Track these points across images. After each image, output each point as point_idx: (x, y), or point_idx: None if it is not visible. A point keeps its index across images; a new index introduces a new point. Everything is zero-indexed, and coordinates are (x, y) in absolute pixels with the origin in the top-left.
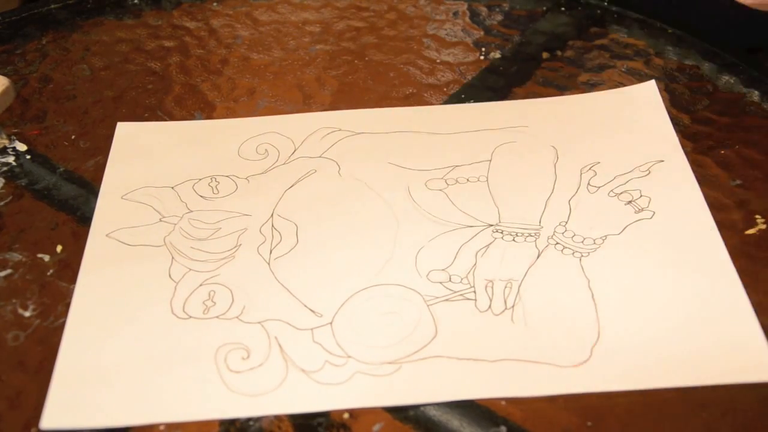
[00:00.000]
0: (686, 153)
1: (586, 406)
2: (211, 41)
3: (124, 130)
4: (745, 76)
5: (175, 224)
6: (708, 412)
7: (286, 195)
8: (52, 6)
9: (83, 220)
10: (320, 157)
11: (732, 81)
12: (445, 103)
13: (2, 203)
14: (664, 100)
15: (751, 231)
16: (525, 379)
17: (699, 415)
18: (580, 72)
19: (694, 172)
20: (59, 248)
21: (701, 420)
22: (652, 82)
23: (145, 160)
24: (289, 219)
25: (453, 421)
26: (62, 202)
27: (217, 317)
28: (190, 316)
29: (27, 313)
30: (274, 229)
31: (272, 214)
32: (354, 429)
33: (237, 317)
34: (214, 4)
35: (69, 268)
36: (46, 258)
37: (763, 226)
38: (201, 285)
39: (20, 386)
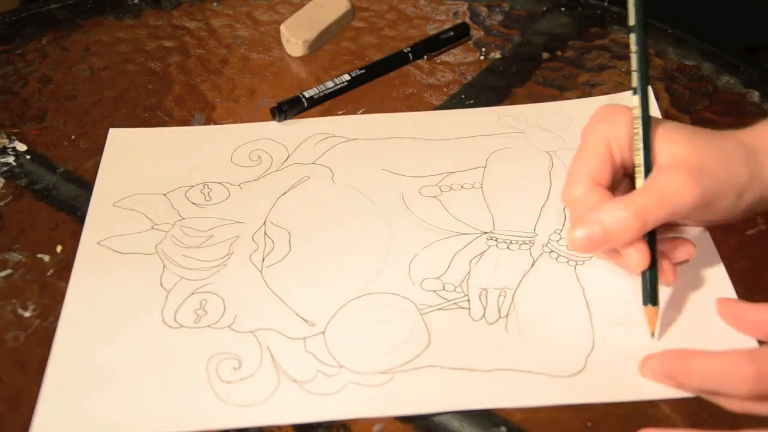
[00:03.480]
0: None
1: (585, 406)
2: (211, 41)
3: (116, 136)
4: (745, 76)
5: (167, 232)
6: (707, 412)
7: (279, 202)
8: (52, 6)
9: (83, 220)
10: (313, 163)
11: (732, 81)
12: (445, 103)
13: (2, 203)
14: (664, 101)
15: (751, 231)
16: (519, 390)
17: (699, 414)
18: (580, 72)
19: None
20: (59, 248)
21: (701, 419)
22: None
23: (137, 166)
24: (281, 226)
25: (453, 421)
26: (62, 202)
27: (208, 326)
28: (182, 325)
29: (27, 314)
30: (266, 237)
31: (265, 222)
32: (354, 429)
33: (229, 326)
34: (214, 4)
35: (69, 268)
36: (46, 258)
37: (764, 227)
38: (193, 293)
39: (20, 386)
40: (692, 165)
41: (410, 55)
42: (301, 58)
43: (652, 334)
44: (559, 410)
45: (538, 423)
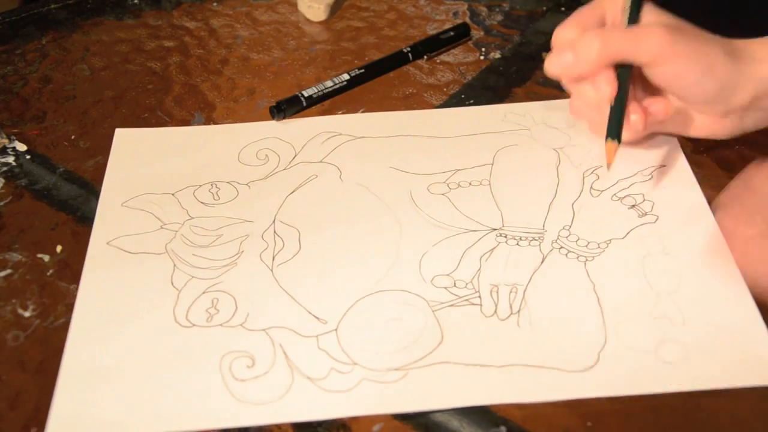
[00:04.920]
0: (686, 153)
1: (585, 406)
2: (211, 41)
3: (122, 136)
4: None
5: (177, 231)
6: (707, 412)
7: (287, 201)
8: (52, 6)
9: (83, 220)
10: (321, 162)
11: None
12: (445, 103)
13: (2, 203)
14: None
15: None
16: (532, 385)
17: (698, 415)
18: None
19: (694, 172)
20: (59, 248)
21: (701, 420)
22: None
23: (145, 166)
24: (291, 225)
25: (453, 421)
26: (62, 202)
27: (220, 325)
28: (194, 324)
29: (27, 314)
30: (276, 236)
31: (274, 220)
32: (354, 429)
33: (241, 325)
34: (214, 4)
35: (69, 268)
36: (46, 258)
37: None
38: (204, 292)
39: (20, 386)
40: (669, 25)
41: (410, 55)
42: (302, 58)
43: (608, 167)
44: (560, 409)
45: (539, 422)
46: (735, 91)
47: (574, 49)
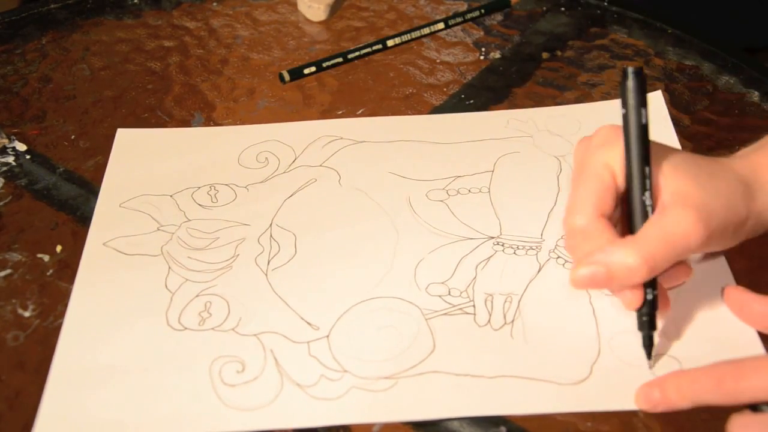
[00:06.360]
0: None
1: None
2: (211, 41)
3: (123, 137)
4: (745, 76)
5: (173, 233)
6: (709, 412)
7: (285, 204)
8: (52, 6)
9: (83, 220)
10: (320, 166)
11: (732, 81)
12: (445, 103)
13: (2, 203)
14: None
15: None
16: (524, 397)
17: (699, 415)
18: (580, 72)
19: None
20: (59, 248)
21: (702, 420)
22: (659, 93)
23: (145, 167)
24: (288, 229)
25: (453, 421)
26: (62, 202)
27: (212, 329)
28: (186, 328)
29: (27, 313)
30: (272, 240)
31: (271, 224)
32: (354, 429)
33: (233, 329)
34: (214, 4)
35: (69, 268)
36: (46, 258)
37: None
38: (197, 296)
39: (20, 386)
40: (698, 205)
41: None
42: (302, 58)
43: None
44: None
45: (538, 423)
46: (746, 226)
47: (610, 271)
